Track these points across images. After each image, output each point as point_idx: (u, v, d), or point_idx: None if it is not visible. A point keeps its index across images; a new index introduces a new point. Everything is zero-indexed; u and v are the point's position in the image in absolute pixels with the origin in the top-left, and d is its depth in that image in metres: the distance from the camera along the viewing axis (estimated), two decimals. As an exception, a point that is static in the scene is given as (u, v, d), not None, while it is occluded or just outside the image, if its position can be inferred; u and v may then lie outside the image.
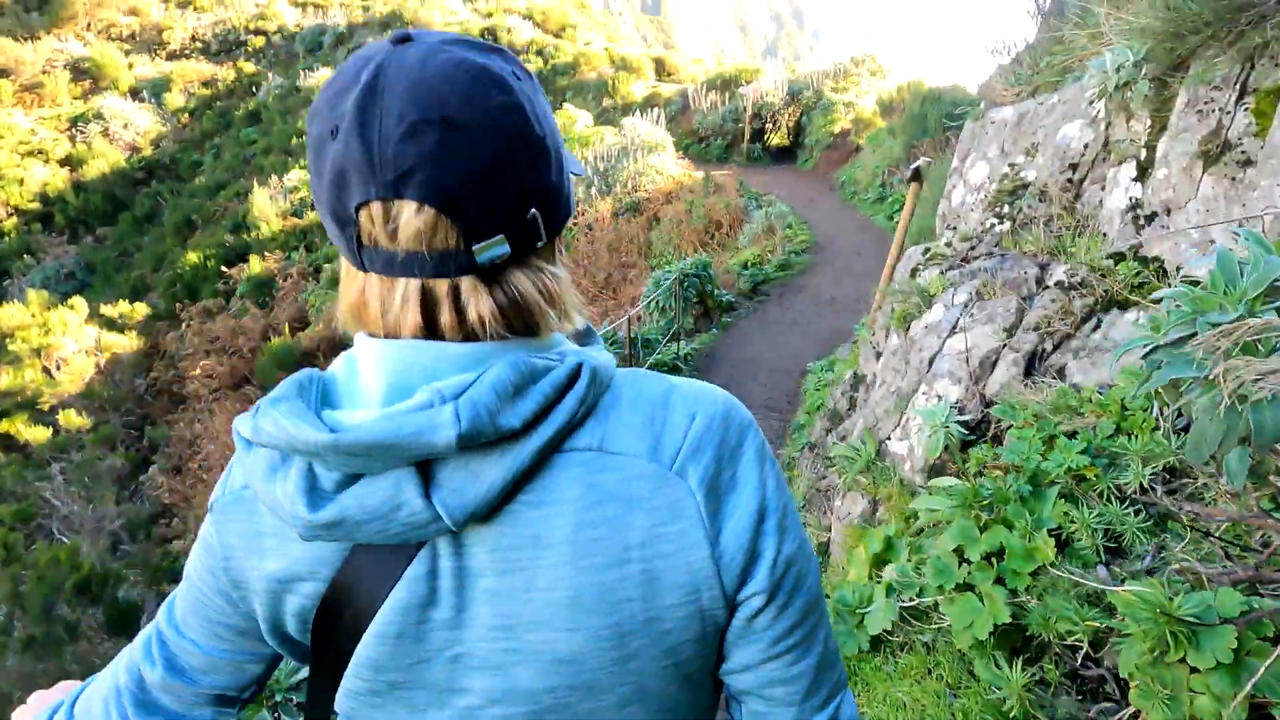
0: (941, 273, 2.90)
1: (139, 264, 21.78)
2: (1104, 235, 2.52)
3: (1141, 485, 1.65)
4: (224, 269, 18.59)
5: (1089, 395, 2.02)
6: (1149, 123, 2.41)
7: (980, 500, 1.85)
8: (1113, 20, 2.50)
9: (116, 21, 28.62)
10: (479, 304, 0.60)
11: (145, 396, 16.68)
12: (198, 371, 15.61)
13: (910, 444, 2.60)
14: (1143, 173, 2.41)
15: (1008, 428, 2.10)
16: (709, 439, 0.62)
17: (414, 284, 0.59)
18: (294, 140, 22.58)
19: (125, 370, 16.91)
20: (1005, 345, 2.42)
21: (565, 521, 0.59)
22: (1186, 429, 1.67)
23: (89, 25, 28.45)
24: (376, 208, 0.57)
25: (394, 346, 0.60)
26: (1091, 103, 2.72)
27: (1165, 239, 2.25)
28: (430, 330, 0.60)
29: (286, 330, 15.73)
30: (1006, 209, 2.90)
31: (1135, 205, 2.40)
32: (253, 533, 0.64)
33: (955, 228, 3.39)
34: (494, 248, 0.58)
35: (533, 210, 0.60)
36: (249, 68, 27.28)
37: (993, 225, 2.91)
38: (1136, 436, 1.78)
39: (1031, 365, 2.33)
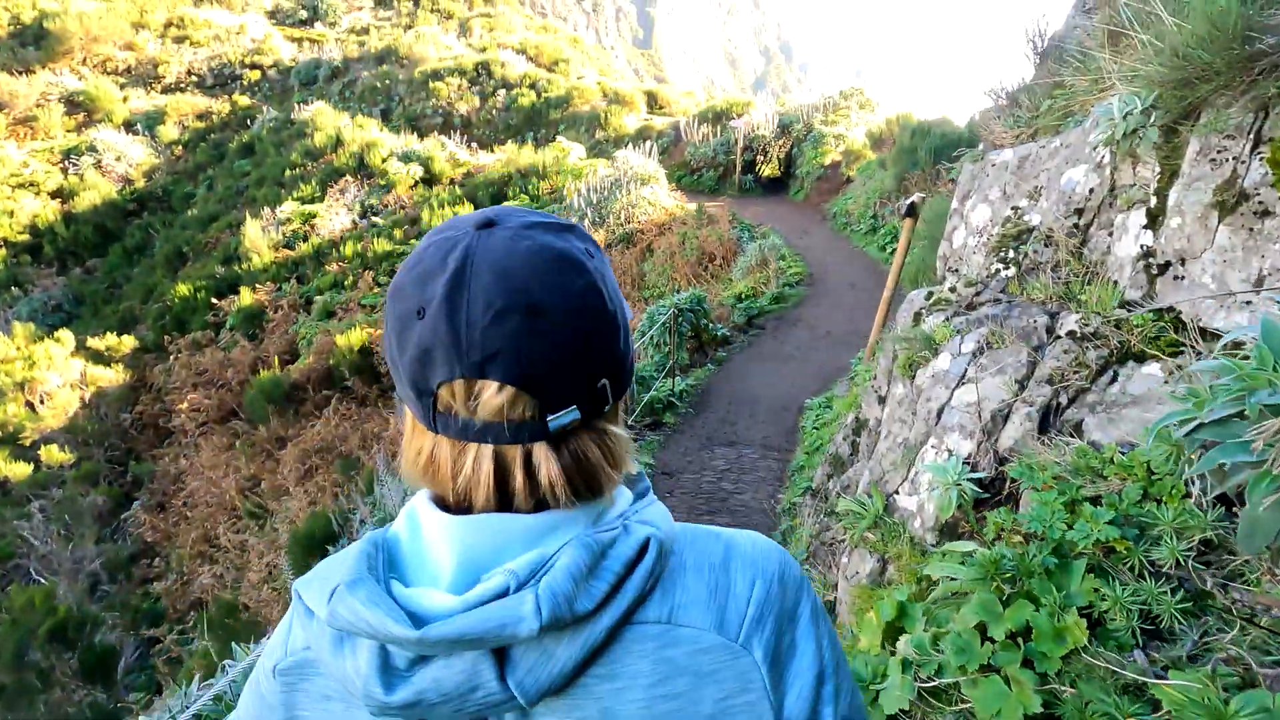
0: (946, 319, 2.82)
1: (128, 296, 21.63)
2: (1114, 283, 2.45)
3: (1177, 560, 1.54)
4: (214, 301, 18.45)
5: (1110, 455, 1.92)
6: (1158, 169, 2.35)
7: (1001, 573, 1.73)
8: (1116, 66, 2.46)
9: (112, 56, 28.85)
10: (549, 467, 0.63)
11: (130, 430, 16.42)
12: (184, 405, 15.38)
13: (920, 500, 2.49)
14: (1153, 220, 2.34)
15: (1025, 488, 2.00)
16: (769, 607, 0.65)
17: (487, 449, 0.62)
18: (287, 172, 22.64)
19: (111, 404, 16.66)
20: (1018, 398, 2.33)
21: (637, 695, 0.61)
22: (1223, 502, 1.57)
23: (84, 59, 28.65)
24: (460, 385, 0.61)
25: (462, 523, 0.63)
26: (1096, 148, 2.67)
27: (1181, 290, 2.18)
28: (501, 494, 0.63)
29: (276, 363, 15.56)
30: (1011, 254, 2.83)
31: (1147, 253, 2.33)
32: (319, 697, 0.66)
33: (957, 270, 3.32)
34: (566, 417, 0.62)
35: (603, 381, 0.65)
36: (244, 101, 27.47)
37: (998, 270, 2.84)
38: (1167, 504, 1.68)
39: (1046, 420, 2.24)
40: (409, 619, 0.57)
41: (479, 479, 0.63)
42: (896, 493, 2.64)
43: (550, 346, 0.61)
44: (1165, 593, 1.53)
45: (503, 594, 0.58)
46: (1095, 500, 1.84)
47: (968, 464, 2.29)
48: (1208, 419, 1.12)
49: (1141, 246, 2.36)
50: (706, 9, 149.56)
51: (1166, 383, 2.13)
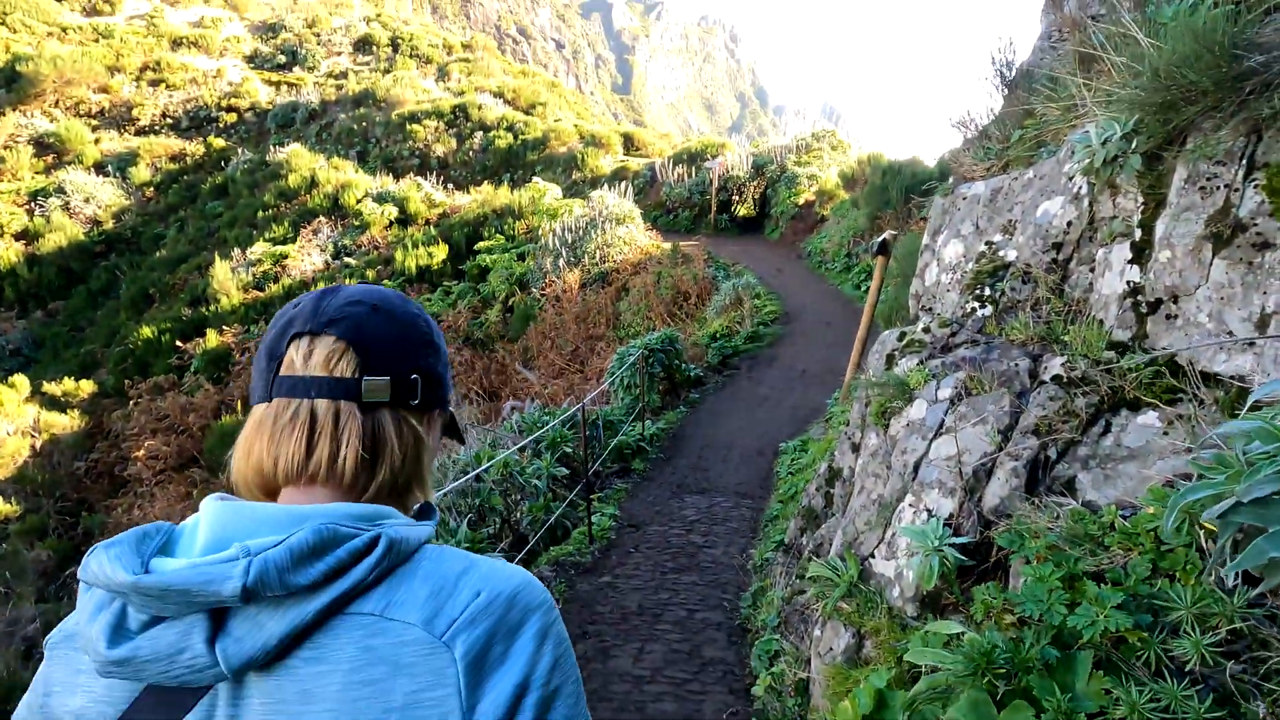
0: (921, 362, 2.60)
1: (90, 339, 21.02)
2: (1100, 323, 2.25)
3: (1202, 656, 1.28)
4: (179, 343, 17.93)
5: (1110, 519, 1.68)
6: (1141, 200, 2.17)
7: (994, 665, 1.46)
8: (1090, 92, 2.29)
9: (86, 98, 28.64)
10: (351, 427, 0.74)
11: (84, 480, 15.70)
12: (141, 452, 14.77)
13: (898, 565, 2.22)
14: (1139, 254, 2.15)
15: (1016, 558, 1.74)
16: (486, 615, 0.67)
17: (306, 404, 0.74)
18: (260, 213, 22.37)
19: (64, 452, 15.96)
20: (1001, 451, 2.09)
21: (336, 680, 0.63)
22: (1249, 580, 1.32)
23: (57, 102, 28.40)
24: (304, 339, 0.76)
25: (223, 507, 0.70)
26: (1072, 178, 2.50)
27: (1175, 330, 1.97)
28: (308, 450, 0.73)
29: (239, 407, 15.04)
30: (988, 291, 2.63)
31: (1134, 290, 2.13)
32: (73, 669, 0.69)
33: (931, 309, 3.12)
34: (379, 386, 0.76)
35: (415, 375, 0.79)
36: (219, 143, 27.31)
37: (974, 309, 2.64)
38: (1183, 583, 1.43)
39: (1034, 476, 2.00)
40: (140, 573, 0.63)
41: (292, 431, 0.72)
42: (872, 556, 2.37)
43: (382, 327, 0.77)
44: (1190, 696, 1.27)
45: (228, 563, 0.63)
46: (1098, 576, 1.59)
47: (949, 526, 2.04)
48: (1246, 498, 0.89)
49: (1128, 283, 2.16)
50: (683, 57, 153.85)
51: (1166, 434, 1.90)
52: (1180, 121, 1.90)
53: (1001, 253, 2.75)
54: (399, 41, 32.59)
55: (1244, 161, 1.82)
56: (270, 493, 0.75)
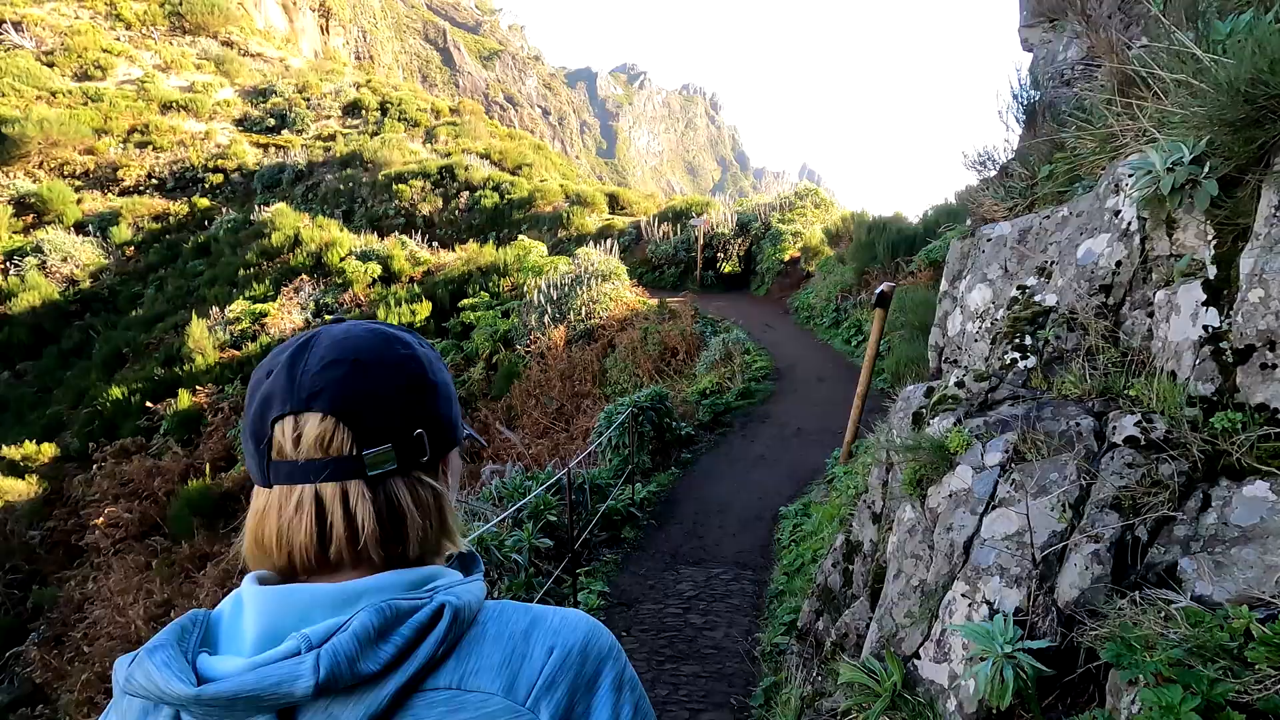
0: (958, 422, 2.26)
1: (58, 400, 20.27)
2: (1171, 374, 1.93)
3: None
4: (149, 404, 17.28)
5: (1243, 623, 1.31)
6: (1211, 233, 1.89)
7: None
8: (1141, 116, 2.04)
9: (72, 159, 28.61)
10: (363, 507, 0.68)
11: (38, 549, 14.80)
12: (101, 519, 13.96)
13: (952, 670, 1.83)
14: (1215, 295, 1.86)
15: (1125, 678, 1.36)
16: (563, 674, 0.66)
17: (309, 490, 0.68)
18: (241, 272, 22.06)
19: (19, 519, 15.11)
20: (1074, 529, 1.74)
21: None
22: None
23: (42, 164, 28.32)
24: (289, 420, 0.69)
25: (268, 593, 0.66)
26: (1118, 213, 2.23)
27: (1275, 381, 1.65)
28: (321, 542, 0.68)
29: (208, 470, 14.36)
30: (1028, 340, 2.32)
31: (1215, 336, 1.83)
32: None
33: (956, 361, 2.81)
34: (382, 456, 0.69)
35: (419, 430, 0.72)
36: (204, 202, 27.22)
37: (1014, 360, 2.32)
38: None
39: (1122, 562, 1.64)
40: (195, 680, 0.60)
41: (301, 522, 0.68)
42: (917, 657, 1.97)
43: (370, 386, 0.70)
44: None
45: (293, 656, 0.61)
46: (1243, 705, 1.21)
47: (1019, 624, 1.66)
48: None
49: (1205, 328, 1.85)
50: (666, 123, 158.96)
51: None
52: (1267, 138, 1.63)
53: (1039, 297, 2.45)
54: (388, 106, 33.16)
55: (1351, 182, 1.55)
56: (290, 577, 0.70)
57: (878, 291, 5.92)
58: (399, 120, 32.63)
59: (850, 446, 6.52)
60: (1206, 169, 1.78)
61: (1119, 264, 2.21)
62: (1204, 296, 1.89)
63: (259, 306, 19.75)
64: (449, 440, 0.76)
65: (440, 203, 25.55)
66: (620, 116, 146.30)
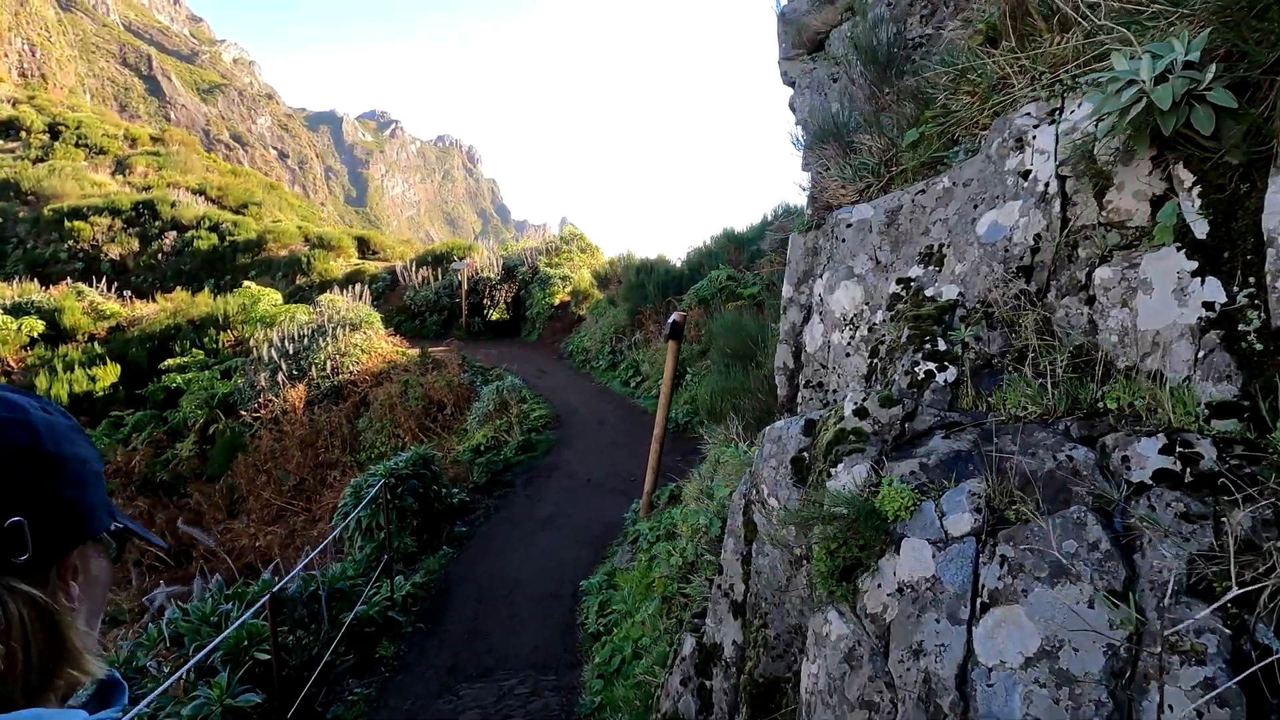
0: (875, 467, 1.52)
1: None
2: (1154, 376, 1.37)
3: None
4: None
5: None
6: (1188, 178, 1.38)
7: None
8: (1031, 60, 1.52)
9: None
10: None
11: None
12: None
13: None
14: (1211, 260, 1.33)
15: None
16: None
17: None
18: None
19: None
20: (1144, 634, 1.03)
21: None
22: None
23: None
24: None
25: None
26: (1026, 174, 1.70)
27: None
28: None
29: None
30: (941, 345, 1.68)
31: (1224, 318, 1.29)
32: None
33: (822, 384, 2.13)
34: None
35: (16, 518, 0.53)
36: None
37: (929, 374, 1.66)
38: None
39: (1256, 697, 0.94)
40: None
41: None
42: None
43: None
44: None
45: None
46: None
47: None
48: None
49: (1206, 307, 1.31)
50: (422, 173, 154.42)
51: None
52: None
53: (932, 290, 1.85)
54: (61, 128, 27.00)
55: None
56: None
57: (669, 322, 5.35)
58: (78, 146, 26.67)
59: (651, 497, 5.81)
60: (1208, 77, 1.25)
61: (1038, 238, 1.67)
62: (1193, 265, 1.36)
63: None
64: (72, 533, 0.57)
65: (136, 244, 21.01)
66: (372, 164, 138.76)
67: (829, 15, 5.86)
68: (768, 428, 1.96)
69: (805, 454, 1.81)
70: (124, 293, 19.15)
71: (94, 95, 68.12)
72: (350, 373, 12.60)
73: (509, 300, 17.81)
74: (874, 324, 1.98)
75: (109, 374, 14.91)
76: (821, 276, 2.20)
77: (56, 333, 16.51)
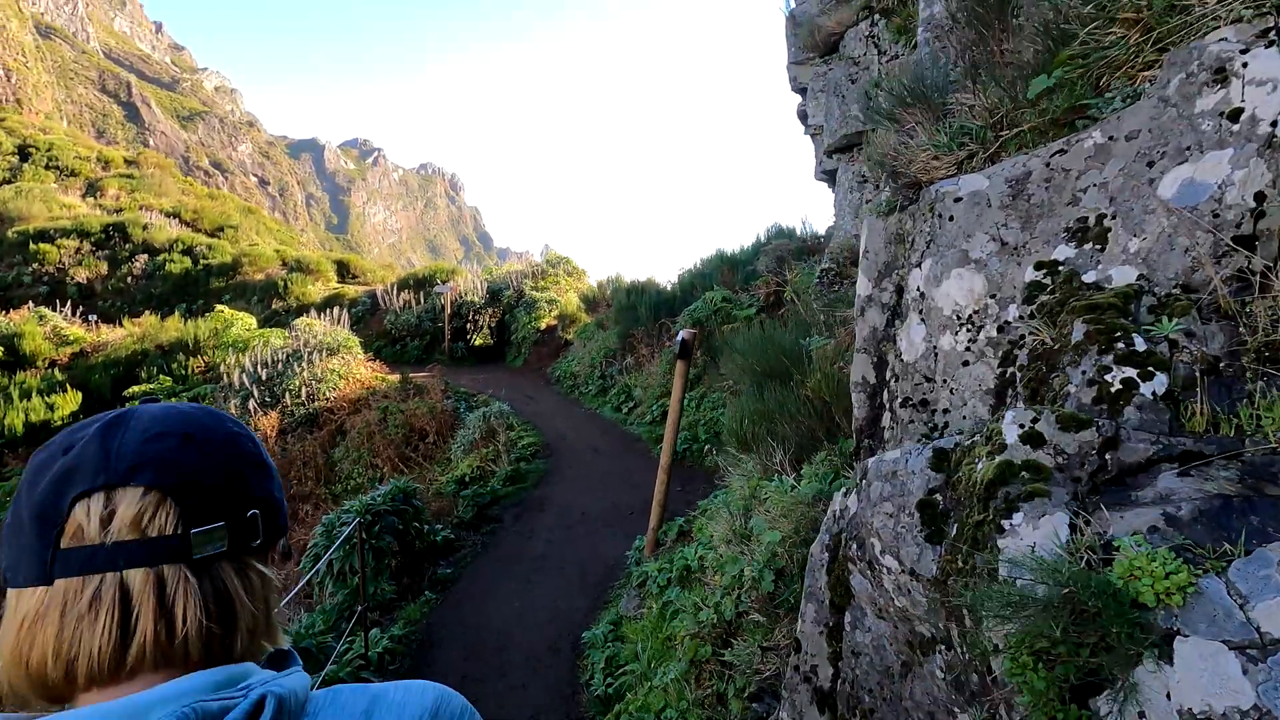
0: (1077, 517, 1.03)
1: None
2: None
3: None
4: None
5: None
6: None
7: None
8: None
9: None
10: (186, 599, 0.57)
11: None
12: None
13: None
14: None
15: None
16: None
17: (112, 580, 0.56)
18: None
19: None
20: None
21: None
22: None
23: None
24: (97, 497, 0.57)
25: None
26: (1234, 114, 1.25)
27: None
28: (123, 640, 0.56)
29: None
30: (1138, 346, 1.21)
31: None
32: None
33: (924, 402, 1.65)
34: (212, 535, 0.59)
35: (254, 510, 0.63)
36: None
37: (1128, 385, 1.19)
38: None
39: None
40: None
41: (98, 622, 0.55)
42: None
43: (203, 459, 0.61)
44: None
45: None
46: None
47: None
48: None
49: None
50: (404, 201, 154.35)
51: None
52: None
53: (1091, 275, 1.38)
54: (31, 150, 26.28)
55: None
56: (60, 700, 0.57)
57: (678, 340, 4.87)
58: (48, 168, 25.93)
59: (657, 533, 5.27)
60: None
61: (1260, 197, 1.21)
62: None
63: None
64: (280, 527, 0.67)
65: (105, 267, 20.24)
66: (354, 191, 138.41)
67: (844, 15, 5.52)
68: (870, 461, 1.47)
69: (938, 496, 1.32)
70: (90, 317, 18.36)
71: (71, 121, 67.24)
72: (327, 399, 11.95)
73: (493, 325, 17.27)
74: (1006, 322, 1.51)
75: (69, 402, 14.11)
76: (919, 266, 1.73)
77: (15, 359, 15.69)
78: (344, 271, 22.82)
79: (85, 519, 0.56)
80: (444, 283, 18.37)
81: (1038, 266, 1.49)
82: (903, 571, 1.32)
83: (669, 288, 14.14)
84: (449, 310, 16.83)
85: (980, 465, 1.25)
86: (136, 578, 0.56)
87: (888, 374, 1.84)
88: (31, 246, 19.91)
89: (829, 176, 6.02)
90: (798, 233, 13.40)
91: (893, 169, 1.93)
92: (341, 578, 4.82)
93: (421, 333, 17.10)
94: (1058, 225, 1.50)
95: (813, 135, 6.34)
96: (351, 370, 12.69)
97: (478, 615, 5.01)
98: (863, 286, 1.95)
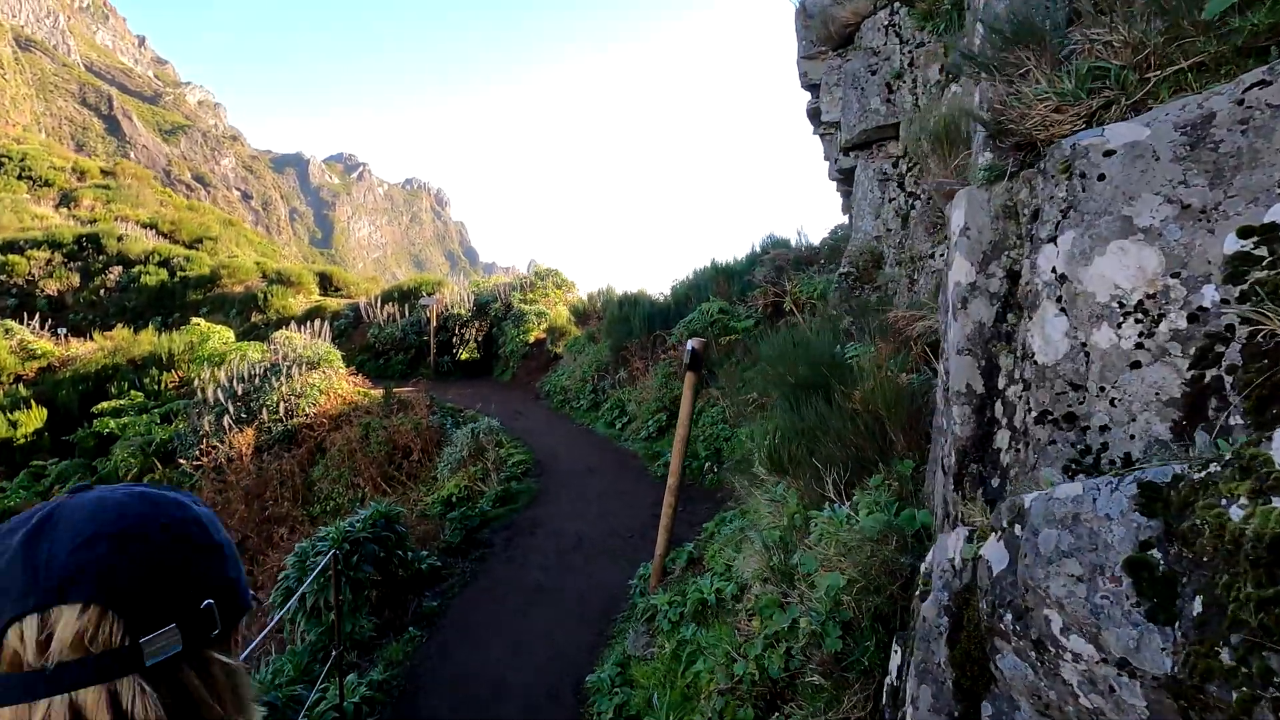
0: None
1: None
2: None
3: None
4: None
5: None
6: None
7: None
8: None
9: None
10: (144, 708, 0.53)
11: None
12: None
13: None
14: None
15: None
16: None
17: (60, 705, 0.52)
18: None
19: None
20: None
21: None
22: None
23: None
24: (30, 621, 0.53)
25: None
26: None
27: None
28: None
29: None
30: None
31: None
32: None
33: (1074, 417, 1.25)
34: (164, 640, 0.55)
35: (208, 600, 0.59)
36: None
37: None
38: None
39: None
40: None
41: None
42: None
43: (143, 562, 0.56)
44: None
45: None
46: None
47: None
48: None
49: None
50: (389, 215, 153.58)
51: None
52: None
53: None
54: (3, 159, 25.57)
55: None
56: None
57: (688, 349, 4.47)
58: (21, 178, 25.23)
59: (664, 561, 4.83)
60: None
61: None
62: None
63: None
64: (239, 608, 0.63)
65: (77, 279, 19.57)
66: (338, 206, 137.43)
67: (860, 4, 5.20)
68: (1030, 498, 1.07)
69: (1156, 554, 0.92)
70: (59, 331, 17.69)
71: (50, 133, 66.20)
72: (306, 415, 11.40)
73: (480, 338, 16.79)
74: (1201, 308, 1.12)
75: (33, 419, 13.44)
76: (1052, 242, 1.34)
77: (-23, 374, 14.99)
78: (326, 284, 22.27)
79: (20, 645, 0.52)
80: (429, 295, 17.89)
81: (1243, 233, 1.11)
82: (1102, 661, 0.92)
83: (662, 299, 13.76)
84: (435, 323, 16.36)
85: (1235, 510, 0.85)
86: (88, 697, 0.52)
87: (1000, 380, 1.45)
88: (1, 258, 19.22)
89: (845, 176, 5.68)
90: (793, 243, 13.11)
91: (998, 126, 1.54)
92: (315, 614, 4.33)
93: (406, 346, 16.60)
94: (1269, 178, 1.12)
95: (823, 135, 6.01)
96: (333, 385, 12.15)
97: (467, 655, 4.52)
98: (961, 273, 1.56)
